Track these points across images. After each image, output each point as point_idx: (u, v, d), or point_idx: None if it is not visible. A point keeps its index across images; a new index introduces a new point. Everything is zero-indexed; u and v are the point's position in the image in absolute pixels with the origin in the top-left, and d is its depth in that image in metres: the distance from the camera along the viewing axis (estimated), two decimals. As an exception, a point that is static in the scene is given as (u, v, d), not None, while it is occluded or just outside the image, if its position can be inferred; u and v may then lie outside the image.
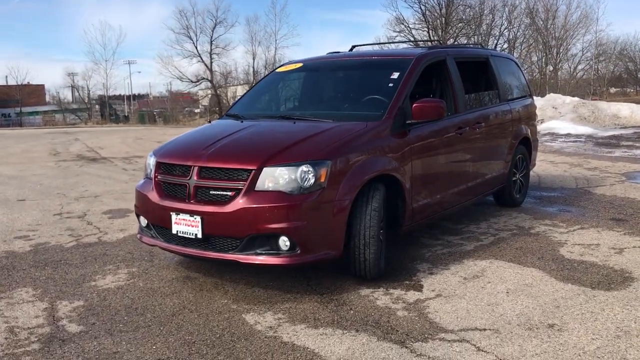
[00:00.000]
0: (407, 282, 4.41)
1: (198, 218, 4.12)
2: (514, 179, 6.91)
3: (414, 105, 4.78)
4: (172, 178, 4.41)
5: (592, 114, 18.26)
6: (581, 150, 12.63)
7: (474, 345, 3.34)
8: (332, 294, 4.18)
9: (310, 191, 3.99)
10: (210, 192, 4.16)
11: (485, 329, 3.55)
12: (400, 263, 4.87)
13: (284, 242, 3.99)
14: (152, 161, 4.72)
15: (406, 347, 3.34)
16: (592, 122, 17.66)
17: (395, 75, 5.07)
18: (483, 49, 6.87)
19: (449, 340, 3.41)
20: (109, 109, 62.32)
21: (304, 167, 4.01)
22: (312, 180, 4.00)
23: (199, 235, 4.15)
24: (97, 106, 66.36)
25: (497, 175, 6.43)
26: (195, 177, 4.21)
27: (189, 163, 4.31)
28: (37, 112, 62.15)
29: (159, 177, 4.53)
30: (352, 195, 4.17)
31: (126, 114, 63.84)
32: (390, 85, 5.00)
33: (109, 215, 7.00)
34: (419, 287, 4.29)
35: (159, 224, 4.49)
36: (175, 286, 4.43)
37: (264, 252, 4.03)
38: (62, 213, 7.23)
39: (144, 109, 63.83)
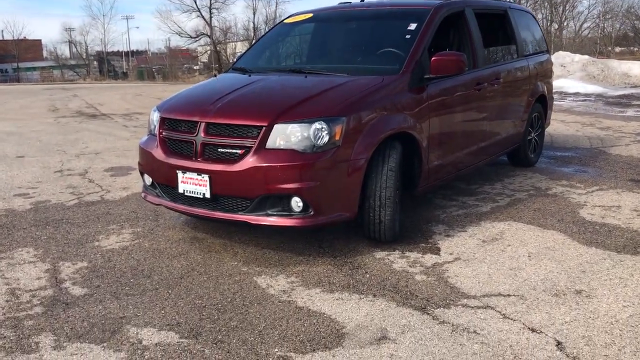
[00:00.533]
0: (424, 244, 4.24)
1: (206, 177, 3.92)
2: (529, 138, 6.68)
3: (433, 58, 4.52)
4: (177, 135, 4.18)
5: (601, 72, 17.88)
6: (592, 110, 12.34)
7: (499, 312, 3.18)
8: (346, 257, 4.01)
9: (324, 150, 3.78)
10: (219, 149, 3.94)
11: (509, 295, 3.38)
12: (415, 225, 4.69)
13: (296, 203, 3.80)
14: (155, 117, 4.48)
15: (428, 314, 3.18)
16: (602, 81, 17.30)
17: (413, 26, 4.78)
18: (501, 1, 6.53)
19: (472, 307, 3.25)
20: (107, 66, 61.53)
21: (317, 124, 3.79)
22: (326, 138, 3.78)
23: (207, 195, 3.95)
24: (95, 62, 65.56)
25: (513, 134, 6.20)
26: (202, 134, 3.99)
27: (195, 119, 4.08)
28: (34, 68, 61.37)
29: (163, 133, 4.30)
30: (368, 154, 3.95)
31: (124, 71, 63.01)
32: (408, 37, 4.72)
33: (111, 173, 6.80)
34: (436, 250, 4.12)
35: (164, 182, 4.29)
36: (182, 247, 4.26)
37: (275, 213, 3.84)
38: (62, 170, 7.02)
39: (143, 66, 62.92)
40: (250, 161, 3.78)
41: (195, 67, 59.51)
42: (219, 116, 4.00)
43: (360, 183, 3.96)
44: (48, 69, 61.12)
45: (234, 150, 3.89)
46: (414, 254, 4.05)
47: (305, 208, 3.80)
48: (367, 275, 3.70)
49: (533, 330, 2.98)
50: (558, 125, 9.90)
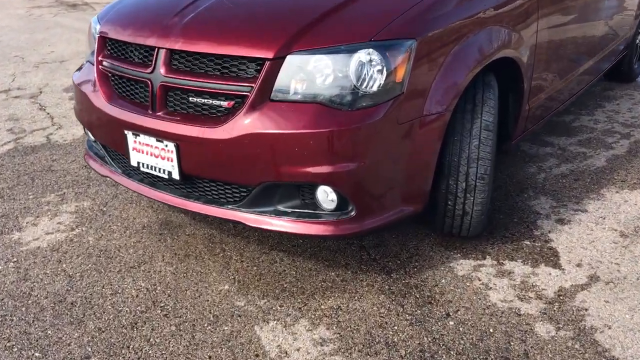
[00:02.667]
0: (528, 241, 2.65)
1: (171, 146, 2.28)
2: (637, 42, 4.86)
3: None
4: (124, 68, 2.48)
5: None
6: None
7: None
8: (408, 274, 2.44)
9: (377, 101, 2.09)
10: (190, 99, 2.27)
11: None
12: (505, 196, 3.07)
13: (325, 195, 2.19)
14: (96, 31, 2.76)
15: None
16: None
17: None
18: None
19: None
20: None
21: (363, 54, 2.08)
22: (381, 80, 2.09)
23: (175, 176, 2.34)
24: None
25: (621, 41, 4.39)
26: (162, 70, 2.30)
27: (150, 42, 2.36)
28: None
29: (104, 63, 2.61)
30: (453, 104, 2.28)
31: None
32: None
33: (70, 95, 5.12)
34: (551, 256, 2.53)
35: (110, 146, 2.66)
36: (145, 246, 2.70)
37: (289, 210, 2.24)
38: (10, 90, 5.34)
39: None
40: (243, 123, 2.12)
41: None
42: (189, 38, 2.28)
43: (436, 154, 2.31)
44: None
45: (217, 102, 2.22)
46: (518, 265, 2.47)
47: (342, 205, 2.19)
48: (451, 326, 2.15)
49: None
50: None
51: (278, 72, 2.11)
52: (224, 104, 2.20)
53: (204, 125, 2.20)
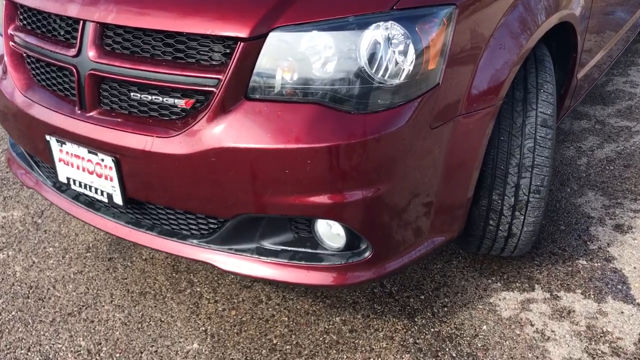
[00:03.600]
0: (584, 260, 2.06)
1: (108, 160, 1.61)
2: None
3: None
4: (41, 47, 1.77)
5: None
6: None
7: None
8: (435, 314, 1.85)
9: (401, 100, 1.44)
10: (133, 94, 1.59)
11: None
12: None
13: (329, 228, 1.57)
14: (7, -6, 2.03)
15: None
16: None
17: None
18: None
19: None
20: None
21: (380, 30, 1.41)
22: (407, 67, 1.43)
23: (117, 200, 1.68)
24: None
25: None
26: (90, 53, 1.60)
27: (72, 11, 1.65)
28: None
29: (16, 39, 1.89)
30: (504, 92, 1.64)
31: None
32: None
33: None
34: (618, 282, 1.95)
35: (30, 152, 1.98)
36: (92, 278, 2.07)
37: (278, 248, 1.61)
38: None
39: None
40: (209, 132, 1.46)
41: None
42: (127, 6, 1.57)
43: (479, 163, 1.68)
44: None
45: (169, 100, 1.54)
46: (578, 298, 1.89)
47: (352, 243, 1.56)
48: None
49: None
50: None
51: (257, 57, 1.44)
52: (180, 103, 1.53)
53: (153, 134, 1.54)
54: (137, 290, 2.00)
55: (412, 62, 1.43)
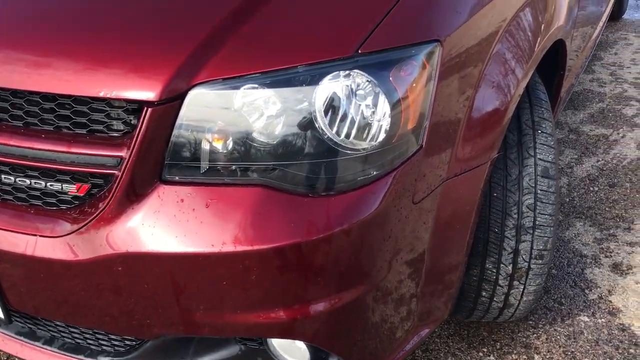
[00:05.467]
0: (585, 316, 1.75)
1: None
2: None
3: None
4: None
5: None
6: None
7: None
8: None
9: (374, 173, 1.05)
10: (4, 177, 1.15)
11: None
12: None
13: (287, 345, 1.18)
14: None
15: None
16: None
17: None
18: None
19: None
20: None
21: (340, 81, 1.02)
22: (380, 128, 1.05)
23: (-2, 313, 1.24)
24: None
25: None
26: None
27: None
28: None
29: None
30: (498, 142, 1.28)
31: None
32: None
33: None
34: (628, 344, 1.65)
35: None
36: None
37: (219, 367, 1.22)
38: None
39: None
40: (110, 232, 1.05)
41: None
42: (-14, 55, 1.13)
43: (472, 230, 1.32)
44: None
45: (55, 185, 1.11)
46: (587, 371, 1.58)
47: (318, 358, 1.18)
48: None
49: None
50: None
51: (173, 125, 1.03)
52: (70, 189, 1.10)
53: (35, 231, 1.11)
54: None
55: (386, 121, 1.05)
